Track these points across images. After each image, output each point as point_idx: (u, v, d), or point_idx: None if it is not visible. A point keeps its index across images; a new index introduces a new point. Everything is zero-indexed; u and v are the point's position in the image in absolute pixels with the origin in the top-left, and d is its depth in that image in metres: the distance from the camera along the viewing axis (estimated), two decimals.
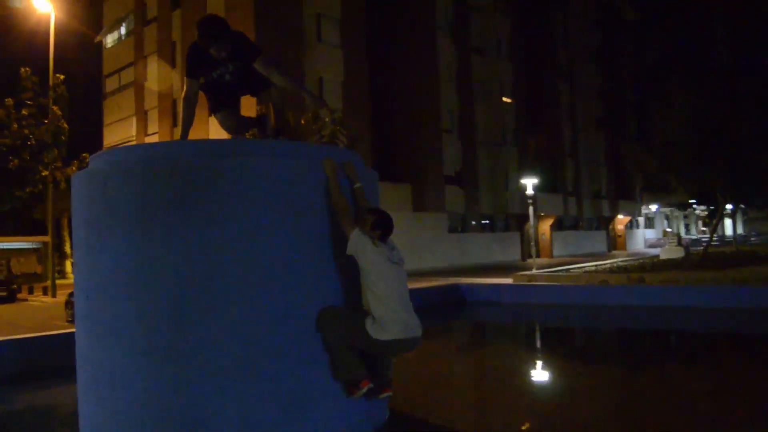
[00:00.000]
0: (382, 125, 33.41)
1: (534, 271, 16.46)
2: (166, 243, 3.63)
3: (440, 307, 11.56)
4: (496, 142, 38.65)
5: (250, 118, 5.36)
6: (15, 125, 9.01)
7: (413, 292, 12.42)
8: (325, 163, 3.95)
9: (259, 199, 3.71)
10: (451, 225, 36.37)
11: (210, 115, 4.88)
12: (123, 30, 37.88)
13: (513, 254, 40.12)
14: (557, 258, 41.05)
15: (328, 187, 3.93)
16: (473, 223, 38.26)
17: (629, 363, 6.96)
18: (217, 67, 4.49)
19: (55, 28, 21.85)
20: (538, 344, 8.73)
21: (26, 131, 8.84)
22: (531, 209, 25.23)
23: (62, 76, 9.05)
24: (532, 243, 25.61)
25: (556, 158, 45.24)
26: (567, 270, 17.96)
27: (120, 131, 36.40)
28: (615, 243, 54.42)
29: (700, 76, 20.87)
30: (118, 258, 3.75)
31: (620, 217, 54.46)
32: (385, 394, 3.93)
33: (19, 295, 26.03)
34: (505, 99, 39.57)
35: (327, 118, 12.99)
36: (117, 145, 34.36)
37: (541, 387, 5.96)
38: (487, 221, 39.90)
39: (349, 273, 3.92)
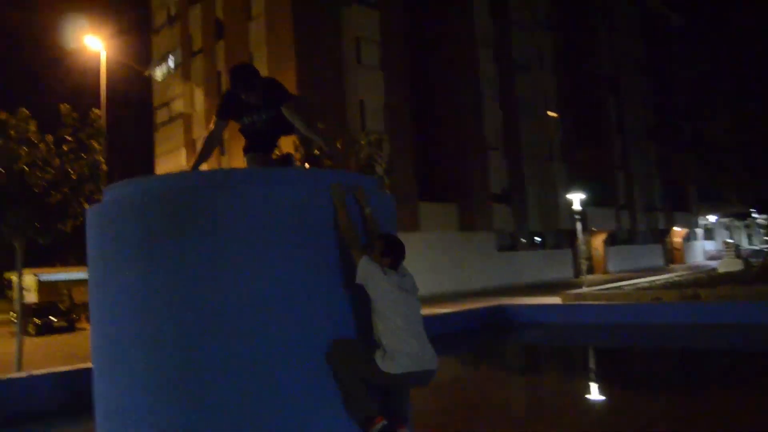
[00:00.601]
0: (425, 145, 33.31)
1: (583, 290, 15.93)
2: (169, 276, 3.58)
3: (484, 330, 11.29)
4: (543, 158, 38.01)
5: (276, 158, 5.42)
6: (57, 160, 9.25)
7: (457, 315, 12.21)
8: (333, 188, 3.83)
9: (260, 228, 3.61)
10: (500, 243, 35.80)
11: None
12: (171, 63, 39.05)
13: (566, 271, 39.17)
14: (612, 274, 39.86)
15: (336, 214, 3.80)
16: (523, 240, 37.56)
17: (681, 386, 6.57)
18: (249, 114, 4.55)
19: (107, 65, 22.72)
20: (587, 369, 8.36)
21: (67, 166, 9.09)
22: (578, 225, 24.59)
23: (99, 111, 9.29)
24: (581, 260, 24.88)
25: (606, 171, 44.14)
26: (619, 287, 17.33)
27: (170, 161, 37.32)
28: (673, 256, 52.55)
29: (751, 83, 20.08)
30: (126, 291, 3.72)
31: (677, 229, 52.65)
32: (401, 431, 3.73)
33: (78, 324, 26.86)
34: (550, 113, 38.95)
35: (363, 141, 12.93)
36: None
37: (583, 412, 5.65)
38: (539, 239, 39.17)
39: (360, 302, 3.75)
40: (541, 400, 6.41)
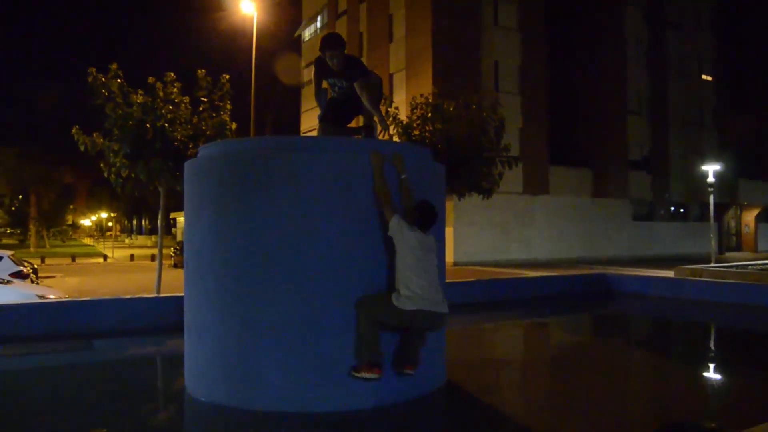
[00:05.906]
0: (561, 106, 32.52)
1: (700, 266, 15.35)
2: (233, 222, 4.44)
3: (582, 297, 11.50)
4: (692, 124, 35.66)
5: (355, 128, 6.07)
6: (195, 119, 10.65)
7: (558, 279, 12.49)
8: (372, 155, 4.47)
9: (305, 188, 4.33)
10: (636, 213, 34.46)
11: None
12: (318, 24, 40.88)
13: (709, 246, 36.88)
14: (762, 253, 36.96)
15: (373, 177, 4.44)
16: (662, 212, 35.80)
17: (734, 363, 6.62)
18: (332, 77, 5.31)
19: (260, 28, 24.57)
20: (656, 341, 8.48)
21: (202, 124, 10.47)
22: (711, 198, 23.20)
23: (227, 76, 10.56)
24: (711, 235, 23.56)
25: (765, 141, 40.46)
26: (746, 266, 16.44)
27: (315, 118, 39.39)
28: None
29: None
30: (204, 234, 4.64)
31: None
32: (408, 371, 4.32)
33: None
34: (704, 77, 36.28)
35: (474, 106, 13.29)
36: (308, 131, 37.37)
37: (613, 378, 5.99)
38: (682, 210, 37.09)
39: (387, 253, 4.41)
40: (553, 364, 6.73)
